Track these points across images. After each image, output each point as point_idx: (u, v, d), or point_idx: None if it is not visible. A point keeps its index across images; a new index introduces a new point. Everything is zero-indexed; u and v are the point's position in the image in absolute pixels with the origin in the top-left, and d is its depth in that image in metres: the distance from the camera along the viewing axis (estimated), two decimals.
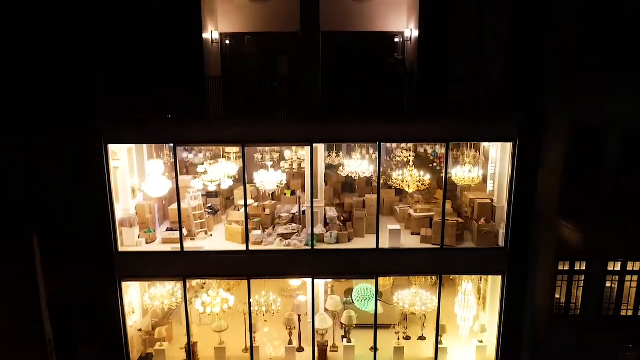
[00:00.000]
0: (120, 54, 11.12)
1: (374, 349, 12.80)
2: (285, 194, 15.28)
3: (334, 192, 15.74)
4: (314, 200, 12.54)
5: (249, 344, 12.63)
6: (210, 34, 11.70)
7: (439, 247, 12.26)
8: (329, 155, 14.21)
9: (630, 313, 14.03)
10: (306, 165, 12.22)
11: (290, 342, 12.95)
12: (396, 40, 12.85)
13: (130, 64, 11.11)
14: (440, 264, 12.18)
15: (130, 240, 12.53)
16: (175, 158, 11.56)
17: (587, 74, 11.55)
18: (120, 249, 12.14)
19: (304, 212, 13.51)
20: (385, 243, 12.37)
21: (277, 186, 12.85)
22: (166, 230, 12.98)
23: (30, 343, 11.79)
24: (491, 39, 11.27)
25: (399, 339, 13.19)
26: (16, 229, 11.57)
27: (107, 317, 12.13)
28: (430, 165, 14.67)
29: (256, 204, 14.17)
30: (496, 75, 11.43)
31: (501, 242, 12.44)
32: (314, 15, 10.95)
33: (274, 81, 12.18)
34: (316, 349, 12.68)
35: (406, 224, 13.98)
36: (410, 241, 12.95)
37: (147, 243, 12.77)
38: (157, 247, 12.53)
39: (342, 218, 13.98)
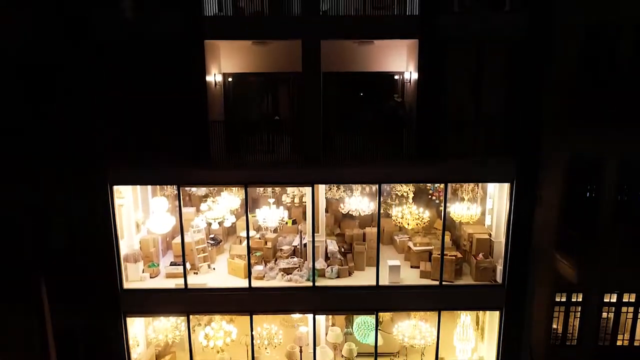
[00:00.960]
0: (125, 98, 11.29)
1: None
2: (286, 222, 15.49)
3: (335, 219, 15.95)
4: (315, 234, 12.77)
5: None
6: (214, 76, 11.90)
7: (437, 283, 12.49)
8: (330, 189, 14.42)
9: (626, 343, 14.30)
10: (307, 204, 12.42)
11: None
12: (396, 77, 13.04)
13: (134, 108, 11.27)
14: (439, 300, 12.41)
15: (135, 276, 12.78)
16: (179, 199, 11.77)
17: (584, 113, 11.82)
18: (125, 285, 12.39)
19: (305, 245, 13.73)
20: (385, 278, 12.60)
21: (279, 222, 13.05)
22: (170, 265, 13.19)
23: None
24: (490, 83, 11.47)
25: None
26: (24, 268, 11.83)
27: (112, 351, 12.39)
28: (429, 196, 14.87)
29: (258, 235, 14.39)
30: (495, 118, 11.64)
31: (499, 278, 12.66)
32: (315, 57, 11.16)
33: (276, 123, 12.42)
34: None
35: (405, 255, 14.21)
36: (409, 274, 13.17)
37: (151, 277, 13.02)
38: (161, 282, 12.76)
39: (342, 250, 14.21)
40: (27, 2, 10.83)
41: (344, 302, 12.48)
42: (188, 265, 12.89)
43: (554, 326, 13.95)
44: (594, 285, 12.90)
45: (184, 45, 10.96)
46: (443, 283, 12.49)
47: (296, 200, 14.55)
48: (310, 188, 11.94)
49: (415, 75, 11.60)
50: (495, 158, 11.62)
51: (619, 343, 14.32)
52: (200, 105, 11.26)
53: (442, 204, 12.36)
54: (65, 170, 11.47)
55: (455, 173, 11.78)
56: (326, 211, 14.20)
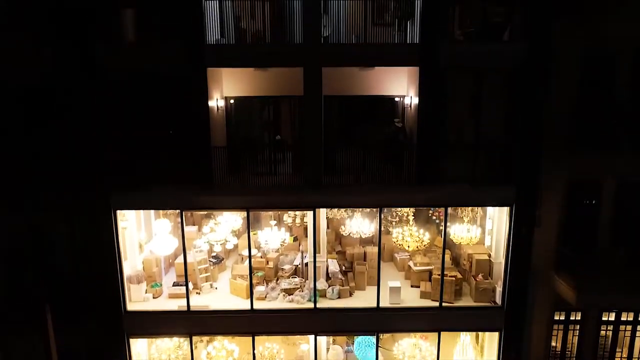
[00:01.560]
0: (128, 124, 11.40)
1: None
2: (288, 239, 15.61)
3: (336, 235, 16.04)
4: (316, 255, 12.91)
5: None
6: (216, 101, 11.99)
7: (437, 304, 12.62)
8: (331, 210, 14.52)
9: (624, 358, 14.49)
10: (309, 227, 12.55)
11: None
12: (397, 100, 13.13)
13: (138, 134, 11.38)
14: (439, 322, 12.55)
15: (138, 296, 12.92)
16: (182, 224, 11.91)
17: (583, 136, 11.95)
18: (129, 306, 12.53)
19: (306, 264, 13.86)
20: (385, 299, 12.74)
21: (281, 244, 13.19)
22: (173, 285, 13.33)
23: None
24: (490, 109, 11.57)
25: None
26: (29, 291, 11.98)
27: None
28: (429, 215, 14.99)
29: (259, 253, 14.51)
30: (495, 143, 11.75)
31: (498, 299, 12.79)
32: (317, 82, 11.25)
33: (277, 143, 12.53)
34: None
35: (406, 274, 14.34)
36: (410, 294, 13.31)
37: (154, 298, 13.16)
38: (164, 303, 12.89)
39: (344, 268, 14.34)
40: (30, 28, 10.94)
41: (345, 324, 12.62)
42: (190, 286, 13.02)
43: (553, 344, 14.13)
44: (593, 307, 13.05)
45: (187, 73, 11.04)
46: (443, 304, 12.62)
47: (297, 220, 14.66)
48: (312, 212, 12.05)
49: (415, 100, 11.70)
50: (495, 183, 11.73)
51: (617, 358, 14.53)
52: (202, 131, 11.34)
53: (442, 223, 12.48)
54: (70, 194, 11.58)
55: (455, 198, 11.91)
56: (327, 226, 14.30)
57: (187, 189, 11.64)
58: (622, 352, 14.39)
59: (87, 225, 11.82)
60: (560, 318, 13.71)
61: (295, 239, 15.63)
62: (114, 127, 11.38)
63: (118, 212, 11.86)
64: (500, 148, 11.82)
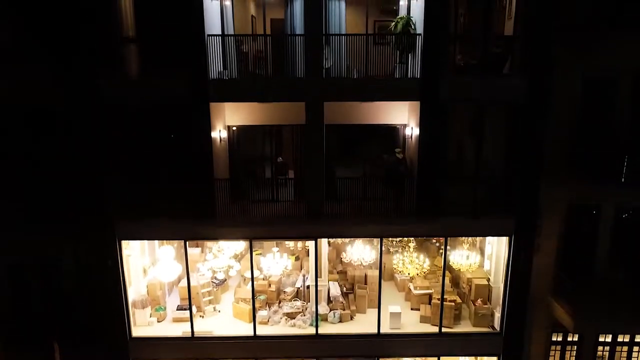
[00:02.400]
0: (132, 155, 11.54)
1: None
2: (289, 257, 15.81)
3: (337, 253, 16.21)
4: (318, 279, 13.12)
5: None
6: (219, 132, 12.11)
7: (437, 329, 12.85)
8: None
9: None
10: (310, 253, 12.74)
11: None
12: (398, 127, 13.23)
13: (142, 166, 11.53)
14: (438, 347, 12.78)
15: (143, 321, 13.17)
16: (185, 254, 12.10)
17: (582, 165, 12.05)
18: (134, 332, 12.77)
19: (308, 286, 14.07)
20: (386, 323, 12.97)
21: (283, 271, 13.39)
22: (177, 309, 13.55)
23: None
24: (490, 141, 11.68)
25: None
26: (36, 318, 12.23)
27: None
28: (430, 242, 15.18)
29: (262, 275, 14.70)
30: (495, 174, 11.89)
31: (497, 324, 13.01)
32: (318, 115, 11.36)
33: (279, 165, 12.70)
34: None
35: (406, 296, 14.55)
36: (410, 317, 13.52)
37: (158, 321, 13.40)
38: (168, 327, 13.13)
39: (344, 289, 14.55)
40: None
41: (346, 349, 12.85)
42: (194, 309, 13.25)
43: None
44: (589, 331, 13.28)
45: (190, 107, 11.15)
46: (442, 330, 12.84)
47: (299, 243, 14.83)
48: (314, 241, 12.23)
49: (416, 131, 11.81)
50: (494, 214, 11.88)
51: None
52: (205, 165, 11.47)
53: (442, 246, 12.64)
54: (76, 225, 11.74)
55: (455, 228, 12.09)
56: (328, 244, 14.41)
57: (191, 221, 11.80)
58: None
59: (93, 254, 11.99)
60: (558, 339, 13.94)
61: (297, 258, 15.83)
62: (117, 158, 11.49)
63: (123, 242, 12.02)
64: (500, 180, 11.94)
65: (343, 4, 12.37)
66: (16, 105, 10.99)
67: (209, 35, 10.98)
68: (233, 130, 13.21)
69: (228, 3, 12.27)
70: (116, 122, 11.24)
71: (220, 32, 12.06)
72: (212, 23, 11.57)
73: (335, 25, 12.34)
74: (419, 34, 11.13)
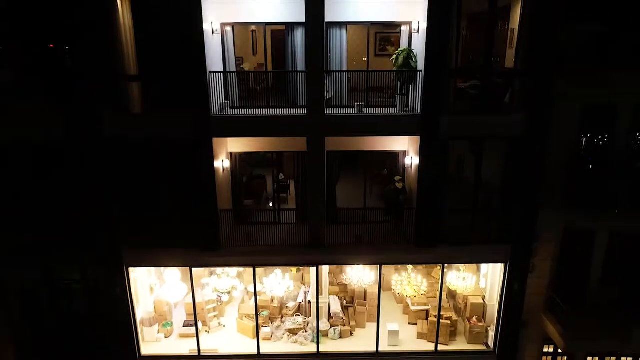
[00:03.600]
0: (139, 188, 11.79)
1: None
2: (291, 270, 16.27)
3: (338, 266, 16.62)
4: (319, 297, 13.62)
5: None
6: (222, 162, 12.30)
7: (433, 348, 13.42)
8: None
9: None
10: (311, 280, 13.17)
11: None
12: (398, 154, 13.40)
13: (148, 198, 11.81)
14: None
15: (151, 337, 13.75)
16: (191, 280, 12.53)
17: (579, 192, 12.31)
18: (143, 349, 13.35)
19: (309, 301, 14.59)
20: (384, 340, 13.53)
21: (285, 292, 13.86)
22: (183, 326, 14.11)
23: None
24: (488, 173, 11.90)
25: None
26: (48, 338, 12.82)
27: None
28: None
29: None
30: (492, 205, 12.17)
31: (490, 342, 13.58)
32: (320, 147, 11.55)
33: (281, 184, 12.99)
34: None
35: (404, 309, 15.09)
36: (407, 332, 14.08)
37: (165, 337, 13.98)
38: (175, 344, 13.70)
39: (344, 303, 15.07)
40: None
41: None
42: (200, 324, 13.80)
43: None
44: (579, 352, 13.88)
45: (193, 143, 11.31)
46: (438, 349, 13.41)
47: None
48: (315, 268, 12.65)
49: (416, 160, 12.01)
50: (491, 244, 12.23)
51: None
52: (209, 195, 11.73)
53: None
54: (85, 254, 12.12)
55: (452, 256, 12.46)
56: None
57: (196, 250, 12.17)
58: None
59: (102, 280, 12.44)
60: (549, 350, 14.56)
61: (298, 270, 16.29)
62: (124, 189, 11.75)
63: (130, 268, 12.44)
64: (497, 208, 12.22)
65: (344, 32, 12.32)
66: (27, 141, 11.15)
67: (210, 72, 11.03)
68: (236, 155, 13.39)
69: (229, 28, 12.22)
70: (120, 156, 11.42)
71: (221, 54, 12.17)
72: (214, 52, 11.60)
73: (336, 53, 12.34)
74: (420, 71, 11.16)
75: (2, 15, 10.45)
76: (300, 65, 12.18)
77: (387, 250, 12.30)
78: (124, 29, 10.70)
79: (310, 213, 12.12)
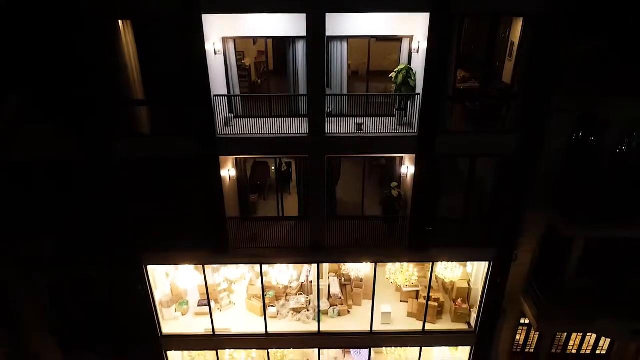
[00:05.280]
0: (155, 200, 12.67)
1: None
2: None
3: None
4: (320, 280, 15.08)
5: None
6: (228, 172, 13.01)
7: (421, 327, 15.10)
8: None
9: (574, 351, 17.56)
10: (314, 279, 14.49)
11: None
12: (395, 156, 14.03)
13: (164, 209, 12.72)
14: (421, 341, 15.16)
15: (169, 316, 15.41)
16: (204, 276, 13.84)
17: (561, 200, 13.27)
18: (164, 329, 15.05)
19: (311, 281, 16.10)
20: (378, 319, 15.19)
21: (289, 281, 15.26)
22: (198, 305, 15.73)
23: None
24: (479, 187, 12.69)
25: None
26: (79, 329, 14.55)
27: None
28: None
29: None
30: (482, 215, 13.12)
31: (473, 321, 15.23)
32: (321, 162, 12.25)
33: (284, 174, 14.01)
34: None
35: (396, 288, 16.63)
36: (399, 310, 15.72)
37: (182, 315, 15.66)
38: (191, 321, 15.38)
39: (342, 281, 16.58)
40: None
41: (344, 342, 15.27)
42: (212, 303, 15.39)
43: (517, 338, 17.08)
44: (549, 331, 15.64)
45: (200, 160, 11.98)
46: (425, 328, 15.09)
47: None
48: (316, 265, 13.92)
49: (412, 170, 12.74)
50: (479, 247, 13.37)
51: (568, 352, 17.59)
52: (217, 205, 12.62)
53: None
54: (109, 257, 13.36)
55: (442, 256, 13.64)
56: None
57: (207, 250, 13.33)
58: (573, 346, 17.40)
59: (126, 278, 13.74)
60: (525, 322, 16.37)
61: None
62: (139, 200, 12.62)
63: (148, 267, 13.71)
64: (485, 216, 13.17)
65: (345, 45, 12.41)
66: (52, 160, 11.93)
67: (215, 96, 11.38)
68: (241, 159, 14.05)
69: (231, 44, 12.32)
70: (133, 173, 12.14)
71: (224, 70, 12.42)
72: (217, 71, 11.84)
73: (337, 66, 12.54)
74: (418, 94, 11.51)
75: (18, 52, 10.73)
76: (301, 64, 12.41)
77: (381, 252, 13.44)
78: (129, 56, 10.89)
79: (311, 218, 13.07)
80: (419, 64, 11.72)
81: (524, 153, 11.98)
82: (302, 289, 16.46)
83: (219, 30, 11.75)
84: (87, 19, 10.24)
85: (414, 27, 11.79)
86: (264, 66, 13.51)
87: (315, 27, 10.77)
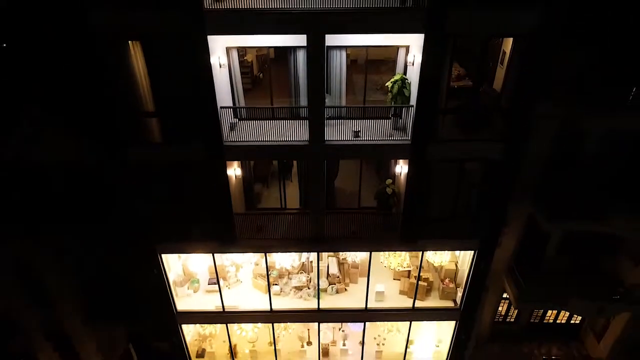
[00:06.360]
0: (168, 197, 13.75)
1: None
2: None
3: None
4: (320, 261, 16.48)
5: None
6: (234, 171, 13.95)
7: (411, 305, 16.65)
8: None
9: (551, 321, 19.36)
10: (314, 260, 15.80)
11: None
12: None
13: (176, 204, 13.83)
14: (411, 316, 16.77)
15: (182, 293, 16.94)
16: (214, 263, 15.18)
17: (544, 199, 14.41)
18: (178, 306, 16.62)
19: (311, 261, 17.50)
20: (372, 298, 16.72)
21: (291, 266, 16.63)
22: (208, 284, 17.22)
23: None
24: (467, 187, 13.69)
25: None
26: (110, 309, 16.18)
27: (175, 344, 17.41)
28: None
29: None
30: (469, 211, 14.22)
31: (458, 299, 16.76)
32: (321, 166, 13.21)
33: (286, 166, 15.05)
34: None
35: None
36: (391, 288, 17.22)
37: (194, 292, 17.20)
38: (203, 300, 16.93)
39: (340, 259, 17.97)
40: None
41: (341, 317, 16.90)
42: (221, 281, 16.86)
43: (500, 309, 18.81)
44: (527, 309, 17.29)
45: (207, 164, 12.92)
46: (415, 305, 16.63)
47: None
48: (316, 253, 15.23)
49: (405, 169, 13.70)
50: (465, 239, 14.58)
51: (546, 321, 19.38)
52: (225, 201, 13.69)
53: None
54: (128, 248, 14.77)
55: (430, 246, 14.92)
56: None
57: (216, 240, 14.56)
58: (550, 315, 19.15)
59: (143, 266, 15.15)
60: (507, 296, 17.98)
61: None
62: (153, 198, 13.70)
63: (163, 255, 15.03)
64: (472, 210, 14.27)
65: (344, 53, 12.93)
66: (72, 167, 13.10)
67: (221, 108, 12.12)
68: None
69: (235, 54, 12.86)
70: (147, 176, 13.13)
71: (228, 79, 13.05)
72: (222, 82, 12.50)
73: (335, 72, 13.14)
74: (412, 106, 12.23)
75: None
76: (301, 64, 12.90)
77: (376, 242, 14.68)
78: (139, 72, 11.54)
79: (311, 212, 14.19)
80: (413, 75, 12.34)
81: (509, 158, 12.87)
82: (303, 268, 17.87)
83: (223, 42, 12.26)
84: (99, 41, 10.81)
85: (410, 39, 12.28)
86: (265, 58, 13.98)
87: (315, 44, 11.35)
